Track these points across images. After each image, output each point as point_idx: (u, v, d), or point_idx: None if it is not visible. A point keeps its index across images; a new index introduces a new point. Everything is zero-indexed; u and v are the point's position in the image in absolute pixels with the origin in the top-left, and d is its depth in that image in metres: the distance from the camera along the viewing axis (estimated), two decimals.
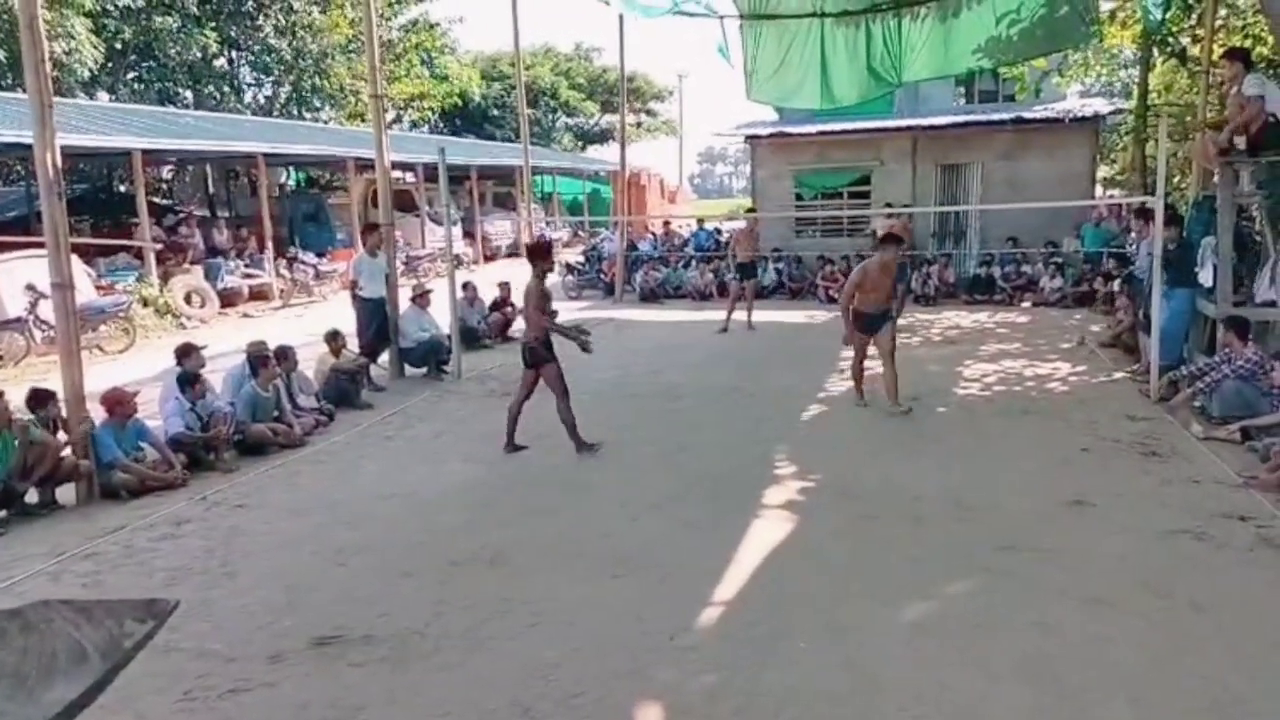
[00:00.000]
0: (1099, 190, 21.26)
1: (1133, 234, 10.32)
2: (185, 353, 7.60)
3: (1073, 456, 6.85)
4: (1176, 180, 15.59)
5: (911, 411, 8.17)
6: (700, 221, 20.95)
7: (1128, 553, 5.02)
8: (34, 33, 6.10)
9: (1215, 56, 10.62)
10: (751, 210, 14.85)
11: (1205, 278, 8.65)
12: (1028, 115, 17.40)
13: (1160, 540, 5.17)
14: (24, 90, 6.75)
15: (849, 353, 11.32)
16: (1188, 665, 3.82)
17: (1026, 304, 15.25)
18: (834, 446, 7.34)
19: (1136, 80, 17.92)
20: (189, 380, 7.32)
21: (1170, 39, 14.45)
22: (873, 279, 8.06)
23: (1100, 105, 18.85)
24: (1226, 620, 4.20)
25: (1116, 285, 12.43)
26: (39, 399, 6.57)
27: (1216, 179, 8.54)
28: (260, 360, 7.89)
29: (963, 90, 20.53)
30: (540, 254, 7.10)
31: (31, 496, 6.34)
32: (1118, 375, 9.53)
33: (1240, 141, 7.93)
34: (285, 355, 8.27)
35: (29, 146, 6.65)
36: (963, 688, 3.70)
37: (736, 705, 3.63)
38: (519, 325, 13.43)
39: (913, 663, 3.91)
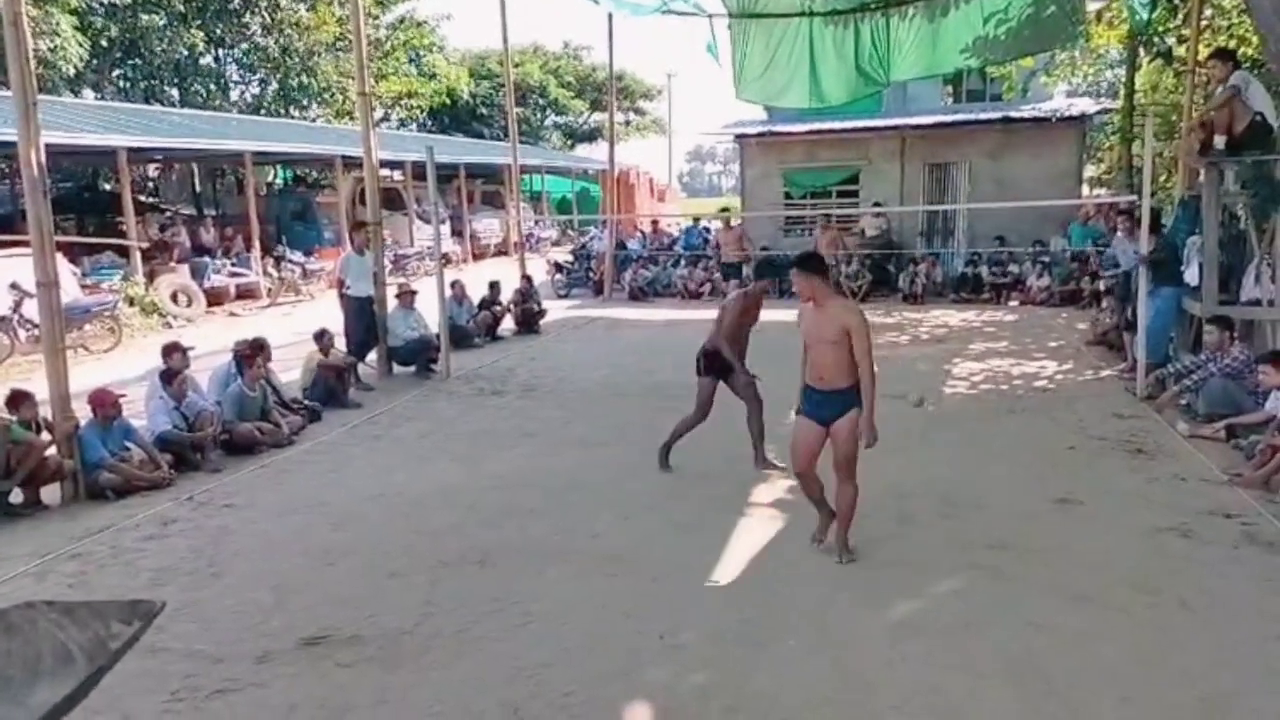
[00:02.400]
0: (1086, 189, 21.38)
1: (1119, 233, 10.36)
2: (168, 351, 7.58)
3: (1060, 455, 6.88)
4: (1163, 179, 15.68)
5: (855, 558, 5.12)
6: (696, 220, 20.92)
7: (1114, 550, 5.04)
8: (18, 29, 6.05)
9: (1201, 56, 10.69)
10: (725, 210, 14.74)
11: (1191, 276, 8.71)
12: (1015, 114, 17.49)
13: (1147, 538, 5.20)
14: (8, 87, 6.69)
15: None
16: (1175, 662, 3.84)
17: (1014, 303, 15.31)
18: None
19: (1123, 80, 18.03)
20: (168, 377, 7.28)
21: (1156, 39, 14.53)
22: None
23: (1087, 105, 18.95)
24: (1213, 617, 4.23)
25: (1103, 285, 12.49)
26: (14, 400, 6.51)
27: (1202, 178, 8.59)
28: (247, 359, 7.85)
29: (950, 89, 20.62)
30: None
31: (16, 497, 6.29)
32: (1104, 374, 9.58)
33: (1219, 141, 7.97)
34: (261, 347, 8.20)
35: (13, 144, 6.59)
36: (951, 686, 3.71)
37: (727, 705, 3.63)
38: (508, 324, 13.47)
39: (901, 662, 3.91)
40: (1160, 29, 14.20)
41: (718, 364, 6.51)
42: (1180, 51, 13.77)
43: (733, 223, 13.93)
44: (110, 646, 1.83)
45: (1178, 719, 3.47)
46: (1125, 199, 11.34)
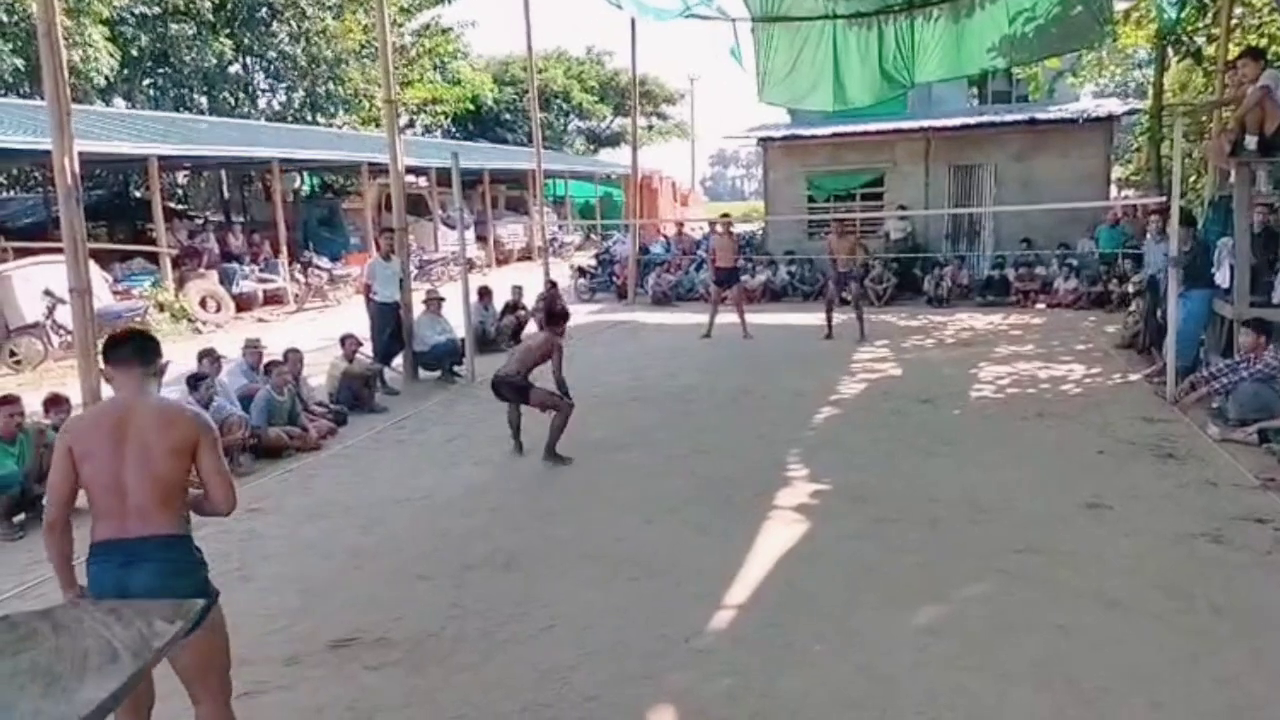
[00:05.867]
0: (1114, 191, 21.17)
1: (1148, 235, 10.25)
2: (200, 356, 7.74)
3: (1088, 459, 6.81)
4: (1192, 180, 15.49)
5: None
6: (713, 224, 20.90)
7: (1145, 555, 4.99)
8: (52, 40, 6.15)
9: (1231, 56, 10.56)
10: (726, 216, 14.64)
11: (1222, 278, 8.60)
12: (1041, 116, 17.34)
13: (1177, 543, 5.14)
14: (42, 98, 6.81)
15: (862, 353, 11.35)
16: (1206, 668, 3.79)
17: (1041, 305, 15.17)
18: (847, 449, 7.33)
19: (1151, 80, 17.85)
20: (194, 382, 7.39)
21: (1185, 38, 14.37)
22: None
23: (1115, 105, 18.78)
24: (1245, 623, 4.17)
25: (1131, 288, 12.37)
26: (50, 404, 6.70)
27: (1233, 179, 8.48)
28: (258, 354, 8.24)
29: (976, 91, 20.47)
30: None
31: None
32: (1133, 377, 9.48)
33: (1251, 141, 7.88)
34: (287, 358, 8.33)
35: (47, 153, 6.71)
36: (979, 691, 3.69)
37: (753, 709, 3.63)
38: (531, 328, 13.50)
39: (928, 666, 3.89)
40: (1189, 28, 14.04)
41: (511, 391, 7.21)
42: (1210, 51, 13.62)
43: (734, 230, 13.82)
44: (154, 645, 1.87)
45: None
46: (1154, 200, 11.22)
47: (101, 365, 3.10)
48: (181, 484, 2.97)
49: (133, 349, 2.98)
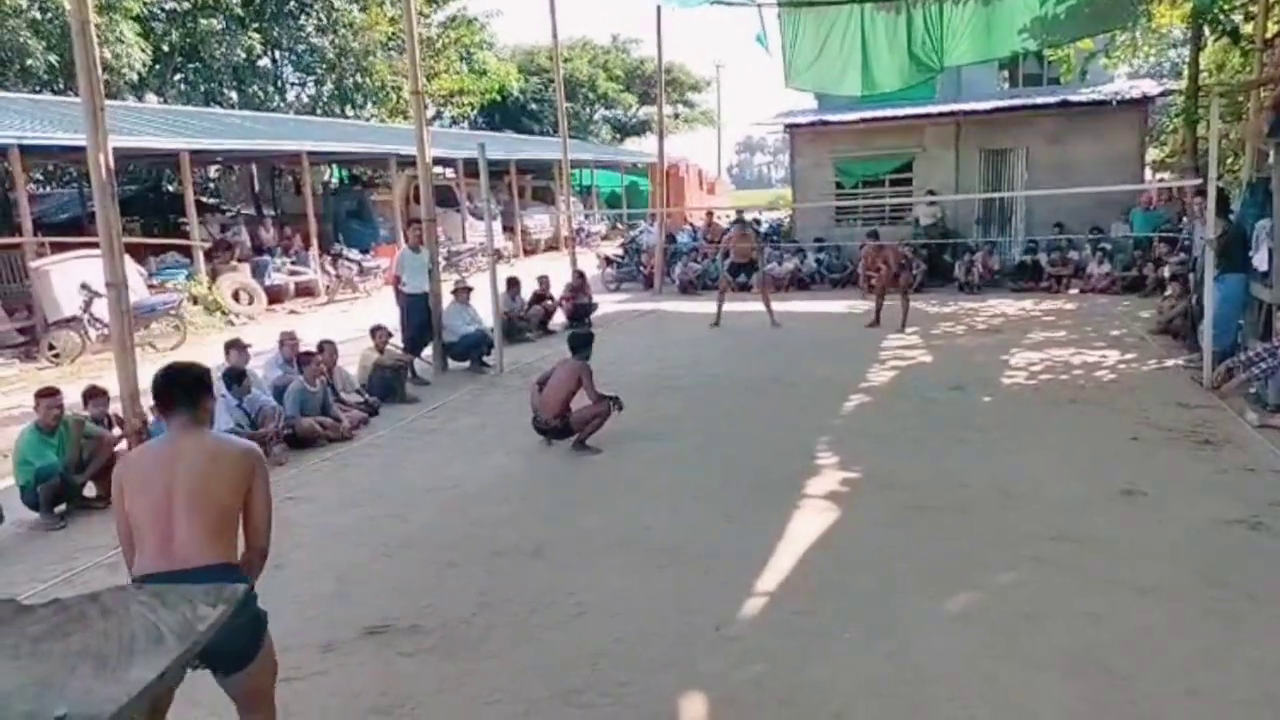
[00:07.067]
0: (1148, 174, 20.81)
1: (1185, 219, 10.07)
2: (228, 348, 7.84)
3: (1123, 445, 6.74)
4: (1230, 161, 15.19)
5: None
6: (740, 213, 20.76)
7: (1180, 542, 4.94)
8: (86, 37, 6.25)
9: (1269, 34, 10.33)
10: (741, 222, 14.49)
11: (1260, 261, 8.45)
12: (1073, 98, 17.07)
13: (1214, 529, 5.08)
14: (76, 94, 6.93)
15: (892, 341, 11.27)
16: (1242, 656, 3.75)
17: (1074, 291, 14.98)
18: (876, 437, 7.29)
19: (1186, 60, 17.50)
20: (235, 378, 7.50)
21: (1222, 17, 14.06)
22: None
23: (1149, 86, 18.43)
24: None
25: (1167, 272, 12.17)
26: (90, 395, 6.85)
27: (1271, 159, 8.32)
28: (293, 346, 8.31)
29: (1006, 74, 20.19)
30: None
31: (90, 490, 6.53)
32: (1169, 363, 9.34)
33: None
34: (321, 350, 8.46)
35: (82, 149, 6.82)
36: (1011, 679, 3.67)
37: (782, 696, 3.64)
38: (559, 319, 13.58)
39: (959, 654, 3.88)
40: (1226, 6, 13.73)
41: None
42: (1247, 29, 13.33)
43: (749, 232, 13.80)
44: (198, 628, 1.93)
45: (1245, 714, 3.40)
46: (1190, 183, 11.02)
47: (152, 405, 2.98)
48: (236, 514, 2.97)
49: (180, 399, 2.95)
